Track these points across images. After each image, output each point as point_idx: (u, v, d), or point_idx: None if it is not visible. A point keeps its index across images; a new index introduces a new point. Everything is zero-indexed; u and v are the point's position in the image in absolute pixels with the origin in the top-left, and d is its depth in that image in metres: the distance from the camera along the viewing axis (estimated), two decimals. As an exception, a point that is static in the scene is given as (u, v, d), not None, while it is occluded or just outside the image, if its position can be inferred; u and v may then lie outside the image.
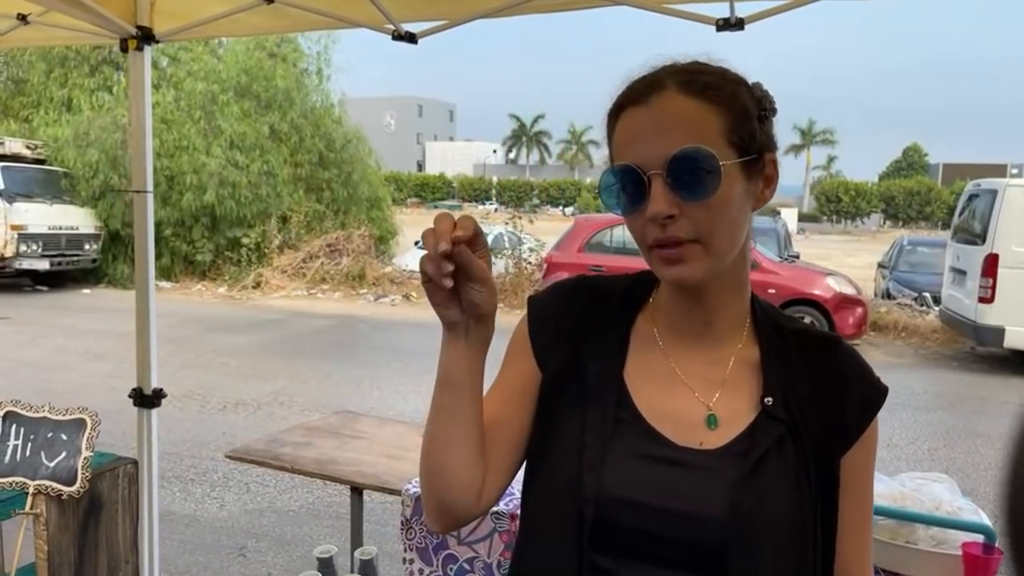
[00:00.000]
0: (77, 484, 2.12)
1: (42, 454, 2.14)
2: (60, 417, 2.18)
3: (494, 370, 1.04)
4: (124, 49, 2.61)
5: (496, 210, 29.40)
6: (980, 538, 1.69)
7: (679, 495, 0.92)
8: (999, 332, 8.76)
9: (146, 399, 2.77)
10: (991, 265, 8.74)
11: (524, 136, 79.92)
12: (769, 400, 0.95)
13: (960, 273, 9.68)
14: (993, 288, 8.72)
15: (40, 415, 2.19)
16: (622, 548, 0.93)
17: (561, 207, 52.49)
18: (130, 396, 2.79)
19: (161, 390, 2.80)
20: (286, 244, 14.88)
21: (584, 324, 1.02)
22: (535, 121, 78.85)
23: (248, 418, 6.37)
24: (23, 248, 12.91)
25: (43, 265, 13.20)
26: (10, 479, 2.12)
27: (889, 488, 1.83)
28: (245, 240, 14.61)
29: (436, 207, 47.29)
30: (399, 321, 11.62)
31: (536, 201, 50.67)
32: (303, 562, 3.64)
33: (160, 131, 13.37)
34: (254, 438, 3.30)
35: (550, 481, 0.97)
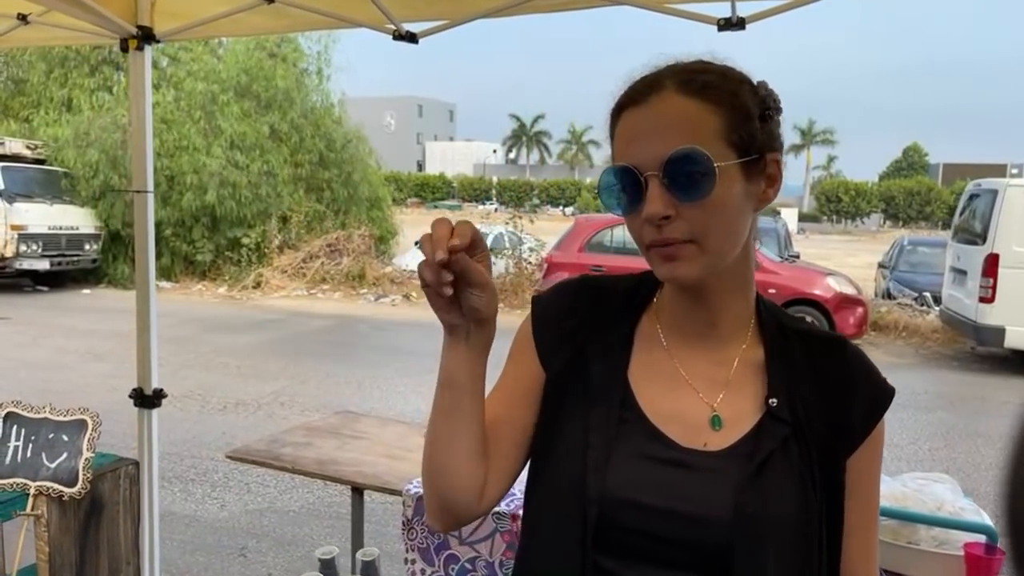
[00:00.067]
0: (78, 485, 2.12)
1: (43, 455, 2.14)
2: (61, 418, 2.18)
3: (495, 370, 1.03)
4: (124, 49, 2.61)
5: (496, 210, 29.35)
6: (982, 538, 1.69)
7: (683, 496, 0.91)
8: (999, 332, 8.76)
9: (146, 399, 2.77)
10: (991, 265, 8.75)
11: (524, 136, 79.91)
12: (774, 401, 0.95)
13: (960, 273, 9.68)
14: (993, 288, 8.71)
15: (41, 416, 2.19)
16: (626, 549, 0.92)
17: (561, 207, 52.43)
18: (130, 396, 2.79)
19: (161, 390, 2.80)
20: (286, 244, 14.89)
21: (588, 324, 1.02)
22: (535, 121, 78.89)
23: (248, 418, 6.37)
24: (23, 248, 12.91)
25: (43, 265, 13.20)
26: (11, 480, 2.12)
27: (891, 488, 1.83)
28: (245, 240, 14.62)
29: (436, 207, 47.36)
30: (399, 321, 11.62)
31: (536, 201, 50.63)
32: (304, 562, 3.64)
33: (160, 131, 13.38)
34: (255, 438, 3.30)
35: (553, 481, 0.97)
